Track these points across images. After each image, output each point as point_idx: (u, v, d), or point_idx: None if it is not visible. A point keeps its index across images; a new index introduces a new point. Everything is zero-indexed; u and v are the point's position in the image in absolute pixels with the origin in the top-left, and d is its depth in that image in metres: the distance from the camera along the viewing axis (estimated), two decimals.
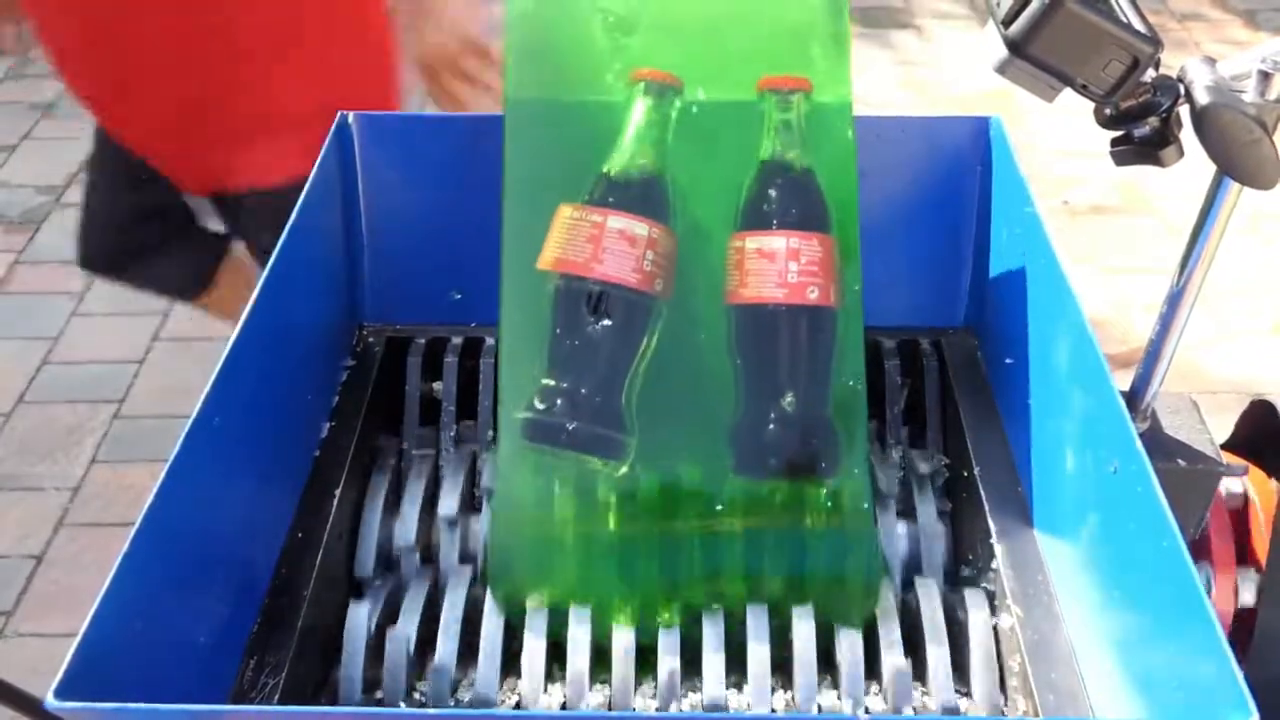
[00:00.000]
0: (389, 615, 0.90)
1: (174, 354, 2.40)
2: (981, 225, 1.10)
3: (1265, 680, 0.77)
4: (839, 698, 0.86)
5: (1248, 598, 1.16)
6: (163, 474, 0.75)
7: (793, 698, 0.85)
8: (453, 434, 1.06)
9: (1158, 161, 0.95)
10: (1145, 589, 0.76)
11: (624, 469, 0.90)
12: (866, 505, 0.91)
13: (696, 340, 0.94)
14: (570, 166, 0.94)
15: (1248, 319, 2.49)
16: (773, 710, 0.85)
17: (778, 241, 0.90)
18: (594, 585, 0.90)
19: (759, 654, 0.85)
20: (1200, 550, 1.18)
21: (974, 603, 0.88)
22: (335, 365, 1.08)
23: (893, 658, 0.85)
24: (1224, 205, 1.04)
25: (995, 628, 0.88)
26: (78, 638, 0.66)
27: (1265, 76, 0.94)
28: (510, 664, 0.87)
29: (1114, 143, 0.97)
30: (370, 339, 1.12)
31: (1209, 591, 1.16)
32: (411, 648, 0.87)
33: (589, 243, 0.89)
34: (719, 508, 0.91)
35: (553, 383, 0.89)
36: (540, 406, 0.89)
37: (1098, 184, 2.89)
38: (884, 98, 3.22)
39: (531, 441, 0.89)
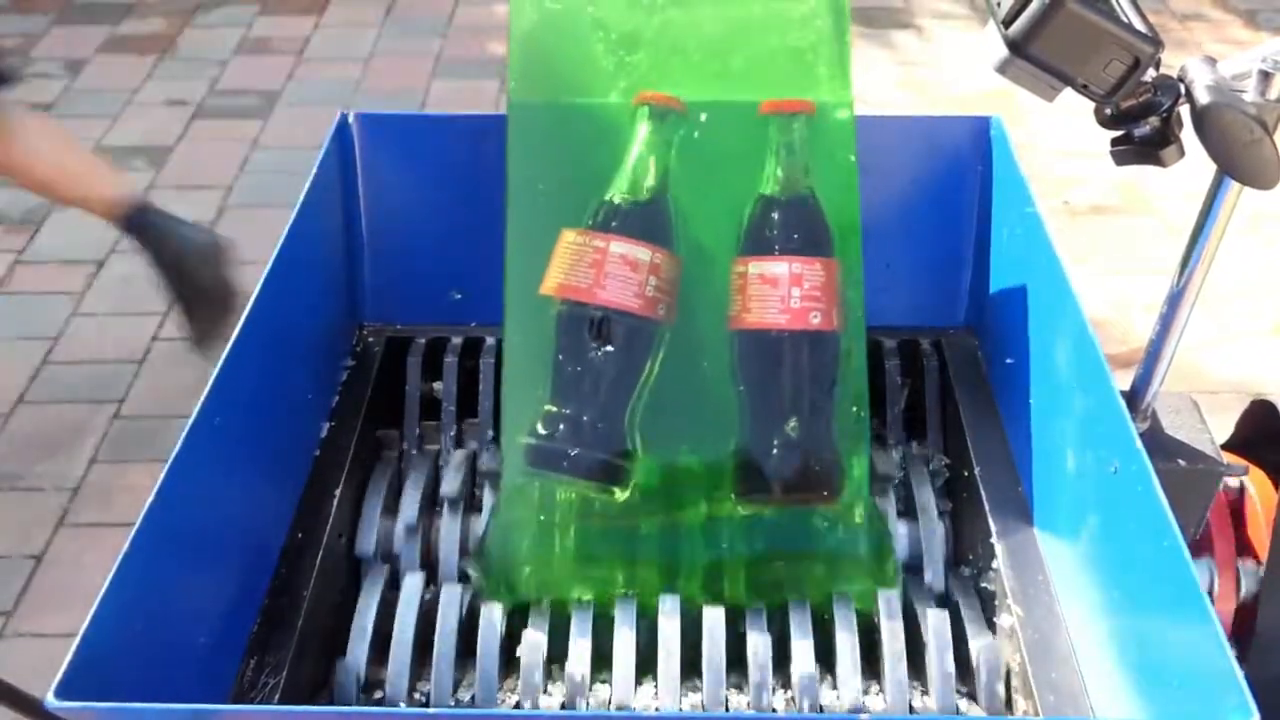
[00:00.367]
0: (389, 615, 0.90)
1: (174, 354, 2.39)
2: (981, 225, 1.10)
3: (1265, 680, 0.77)
4: (839, 697, 0.85)
5: (1249, 588, 1.16)
6: (163, 473, 0.75)
7: (793, 697, 0.85)
8: (453, 433, 1.06)
9: (1158, 161, 0.95)
10: (1145, 589, 0.76)
11: (625, 495, 0.90)
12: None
13: (699, 364, 0.94)
14: (574, 189, 0.94)
15: (1248, 320, 2.49)
16: (773, 710, 0.85)
17: (780, 267, 0.90)
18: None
19: (759, 654, 0.85)
20: (1201, 545, 1.18)
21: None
22: (335, 365, 1.08)
23: (894, 655, 0.85)
24: (1224, 205, 1.04)
25: (995, 627, 0.88)
26: (78, 638, 0.66)
27: (1266, 76, 0.94)
28: (510, 664, 0.87)
29: (1114, 142, 0.97)
30: (370, 339, 1.12)
31: (1212, 583, 1.16)
32: (411, 648, 0.87)
33: (591, 268, 0.88)
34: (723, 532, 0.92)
35: (555, 409, 0.89)
36: (543, 432, 0.89)
37: (1098, 184, 2.89)
38: (884, 98, 3.21)
39: (534, 467, 0.89)
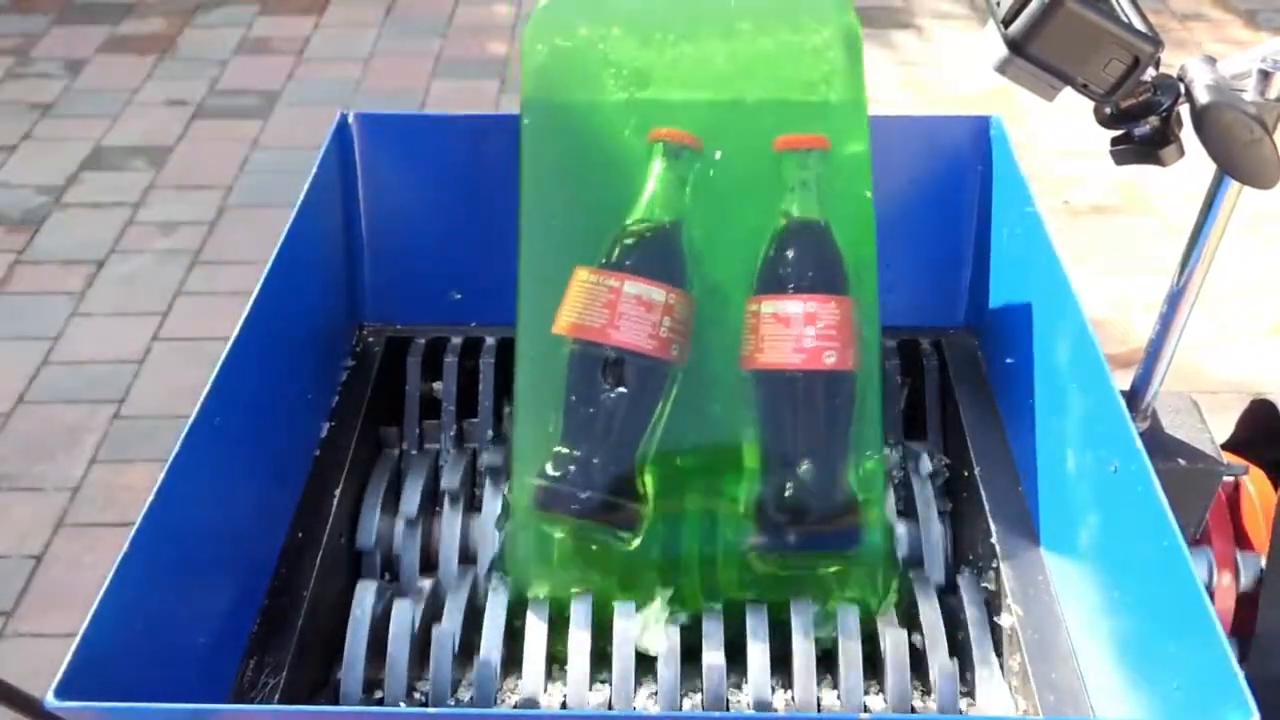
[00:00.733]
0: (390, 615, 0.90)
1: (174, 354, 2.39)
2: (981, 225, 1.10)
3: (1265, 680, 0.77)
4: (839, 697, 0.85)
5: (1248, 577, 1.16)
6: (163, 473, 0.75)
7: (793, 697, 0.85)
8: (453, 433, 1.06)
9: (1158, 161, 0.95)
10: (1145, 589, 0.76)
11: (636, 542, 0.89)
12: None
13: (709, 405, 0.93)
14: (588, 226, 0.93)
15: (1248, 320, 2.49)
16: (773, 709, 0.85)
17: (794, 306, 0.89)
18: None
19: (758, 654, 0.85)
20: (1199, 539, 1.18)
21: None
22: (335, 365, 1.08)
23: (896, 657, 0.85)
24: (1224, 205, 1.04)
25: (995, 626, 0.88)
26: (78, 638, 0.66)
27: (1265, 76, 0.94)
28: (510, 664, 0.87)
29: (1114, 142, 0.97)
30: (370, 339, 1.12)
31: (1211, 572, 1.16)
32: (411, 648, 0.87)
33: (605, 308, 0.87)
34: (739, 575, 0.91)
35: (566, 450, 0.88)
36: (553, 474, 0.88)
37: (1098, 184, 2.89)
38: (884, 98, 3.22)
39: (544, 509, 0.88)
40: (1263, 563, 1.16)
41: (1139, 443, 0.77)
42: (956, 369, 1.08)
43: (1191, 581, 0.68)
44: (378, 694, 0.86)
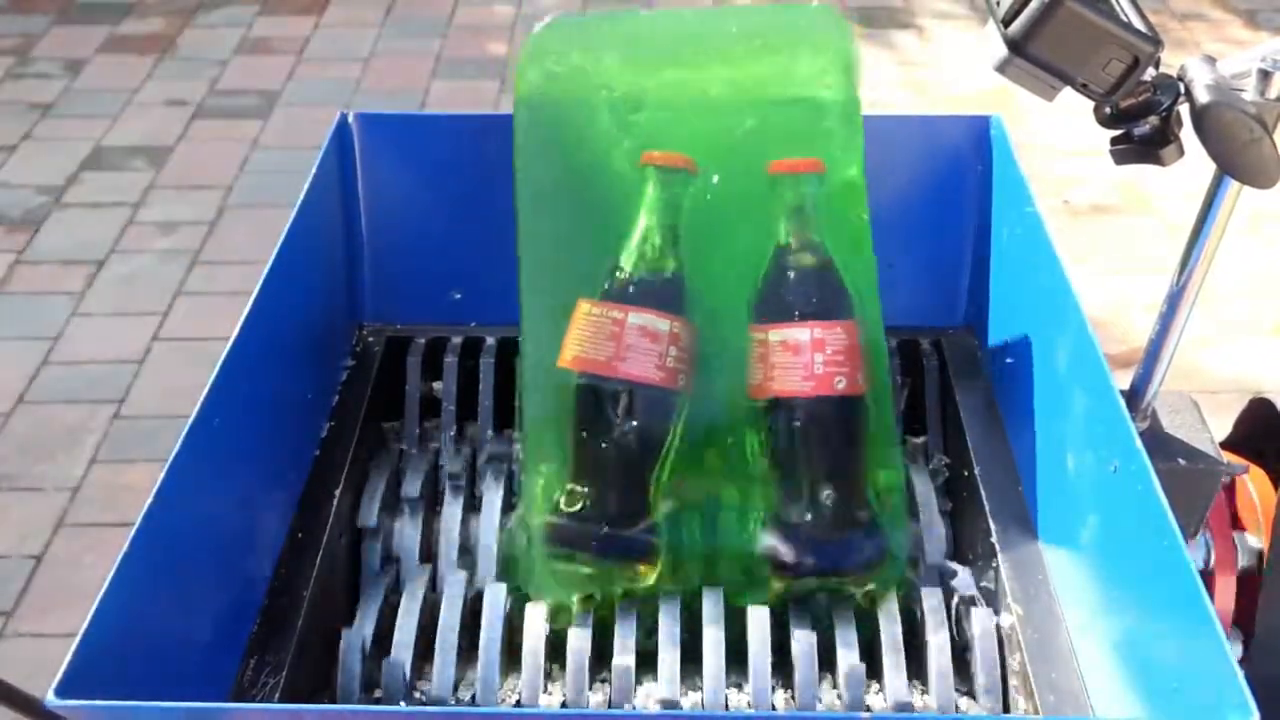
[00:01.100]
0: (389, 616, 0.90)
1: (174, 354, 2.39)
2: (981, 225, 1.10)
3: (1265, 679, 0.77)
4: (839, 697, 0.85)
5: (1245, 562, 1.17)
6: (163, 474, 0.75)
7: (793, 696, 0.85)
8: (452, 433, 1.06)
9: (1158, 160, 0.95)
10: (1145, 589, 0.76)
11: (653, 577, 0.89)
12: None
13: (714, 431, 0.92)
14: (587, 255, 0.92)
15: (1248, 320, 2.49)
16: (773, 709, 0.85)
17: (801, 333, 0.88)
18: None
19: (759, 654, 0.85)
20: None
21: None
22: (335, 365, 1.08)
23: (894, 657, 0.85)
24: (1224, 205, 1.04)
25: (996, 626, 0.88)
26: (78, 637, 0.66)
27: (1265, 75, 0.94)
28: (511, 663, 0.87)
29: (1114, 141, 0.97)
30: (370, 339, 1.12)
31: (1209, 558, 1.16)
32: (410, 648, 0.87)
33: (610, 340, 0.87)
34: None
35: (579, 485, 0.87)
36: (568, 510, 0.87)
37: (1098, 184, 2.89)
38: (884, 98, 3.22)
39: (557, 546, 0.87)
40: (1262, 545, 1.16)
41: (1139, 442, 0.77)
42: (956, 369, 1.08)
43: (1192, 581, 0.68)
44: (377, 694, 0.87)
